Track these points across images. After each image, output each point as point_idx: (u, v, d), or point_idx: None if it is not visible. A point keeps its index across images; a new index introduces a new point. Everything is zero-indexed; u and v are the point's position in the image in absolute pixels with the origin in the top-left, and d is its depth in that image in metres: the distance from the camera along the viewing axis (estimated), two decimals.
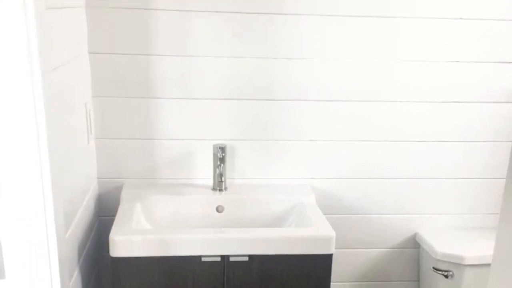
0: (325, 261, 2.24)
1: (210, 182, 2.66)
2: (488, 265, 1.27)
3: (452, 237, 2.77)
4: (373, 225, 2.86)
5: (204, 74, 2.54)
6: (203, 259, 2.17)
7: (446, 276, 2.62)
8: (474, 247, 2.64)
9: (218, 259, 2.18)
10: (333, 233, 2.23)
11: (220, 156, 2.57)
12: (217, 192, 2.62)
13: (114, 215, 2.35)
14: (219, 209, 2.56)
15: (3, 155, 1.58)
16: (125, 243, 2.12)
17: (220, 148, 2.55)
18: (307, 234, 2.25)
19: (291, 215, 2.54)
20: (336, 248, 2.28)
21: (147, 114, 2.57)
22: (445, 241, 2.72)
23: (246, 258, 2.19)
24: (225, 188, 2.63)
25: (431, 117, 2.69)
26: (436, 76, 2.64)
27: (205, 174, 2.67)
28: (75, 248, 2.14)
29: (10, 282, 1.67)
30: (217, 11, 2.48)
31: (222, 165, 2.58)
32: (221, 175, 2.59)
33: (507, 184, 1.16)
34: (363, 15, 2.53)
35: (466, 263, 2.57)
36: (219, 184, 2.61)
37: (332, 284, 2.35)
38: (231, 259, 2.19)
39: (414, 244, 2.90)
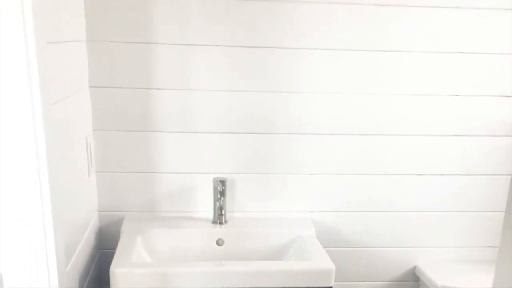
0: None
1: (210, 215, 2.66)
2: None
3: (451, 270, 2.77)
4: (373, 258, 2.85)
5: (204, 108, 2.56)
6: None
7: None
8: (473, 280, 2.63)
9: None
10: (332, 266, 2.23)
11: (220, 190, 2.57)
12: (217, 225, 2.62)
13: (114, 248, 2.35)
14: (219, 242, 2.56)
15: (4, 189, 1.59)
16: (126, 276, 2.12)
17: (220, 181, 2.56)
18: (307, 267, 2.25)
19: (291, 248, 2.54)
20: (335, 281, 2.27)
21: (148, 147, 2.58)
22: (444, 274, 2.71)
23: None
24: (225, 221, 2.63)
25: (431, 150, 2.71)
26: (436, 110, 2.65)
27: (206, 207, 2.67)
28: (75, 281, 2.14)
29: None
30: (217, 45, 2.50)
31: (222, 198, 2.58)
32: (221, 208, 2.60)
33: (506, 217, 1.16)
34: (363, 49, 2.55)
35: None
36: (219, 217, 2.61)
37: None
38: None
39: (413, 277, 2.89)
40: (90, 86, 2.49)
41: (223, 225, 2.62)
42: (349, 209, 2.76)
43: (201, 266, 2.27)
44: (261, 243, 2.57)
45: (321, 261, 2.30)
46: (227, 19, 2.47)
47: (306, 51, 2.54)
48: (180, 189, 2.66)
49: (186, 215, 2.70)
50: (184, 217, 2.69)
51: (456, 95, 2.64)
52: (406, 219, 2.80)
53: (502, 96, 2.66)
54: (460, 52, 2.59)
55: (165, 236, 2.53)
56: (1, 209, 1.60)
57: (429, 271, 2.75)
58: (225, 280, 2.18)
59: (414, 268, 2.88)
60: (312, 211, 2.75)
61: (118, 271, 2.11)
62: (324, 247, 2.45)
